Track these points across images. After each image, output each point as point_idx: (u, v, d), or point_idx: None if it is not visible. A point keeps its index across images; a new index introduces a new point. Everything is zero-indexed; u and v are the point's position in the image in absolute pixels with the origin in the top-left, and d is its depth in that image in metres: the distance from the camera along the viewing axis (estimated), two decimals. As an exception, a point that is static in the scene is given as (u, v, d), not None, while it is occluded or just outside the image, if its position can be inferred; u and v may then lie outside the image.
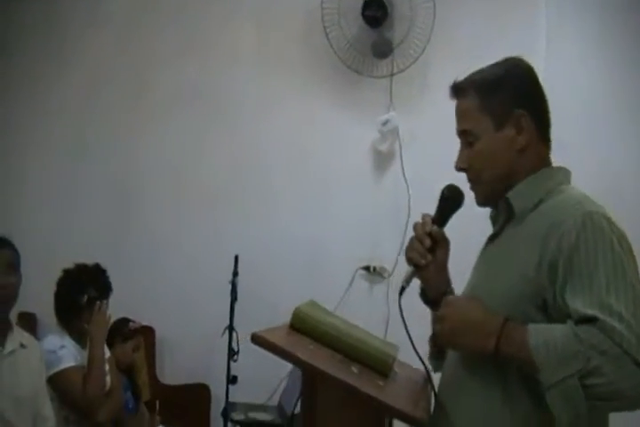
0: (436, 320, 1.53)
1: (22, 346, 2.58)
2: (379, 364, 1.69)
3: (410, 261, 1.65)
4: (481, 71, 1.61)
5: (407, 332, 1.60)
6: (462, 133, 1.59)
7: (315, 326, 1.69)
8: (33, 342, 2.71)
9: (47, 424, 2.64)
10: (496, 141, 1.54)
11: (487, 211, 1.67)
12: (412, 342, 1.59)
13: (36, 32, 4.59)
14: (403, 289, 1.64)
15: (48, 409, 2.67)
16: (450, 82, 1.63)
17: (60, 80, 4.53)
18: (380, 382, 1.63)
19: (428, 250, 1.63)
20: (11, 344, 2.53)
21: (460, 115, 1.60)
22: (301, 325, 1.69)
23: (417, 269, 1.64)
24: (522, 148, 1.53)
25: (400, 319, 1.64)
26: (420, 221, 1.67)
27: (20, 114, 4.59)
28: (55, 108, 4.53)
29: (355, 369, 1.62)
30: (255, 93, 4.25)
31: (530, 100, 1.56)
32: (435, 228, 1.65)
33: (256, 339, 1.51)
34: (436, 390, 1.62)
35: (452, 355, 1.60)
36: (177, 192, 4.33)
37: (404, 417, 1.47)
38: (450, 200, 1.68)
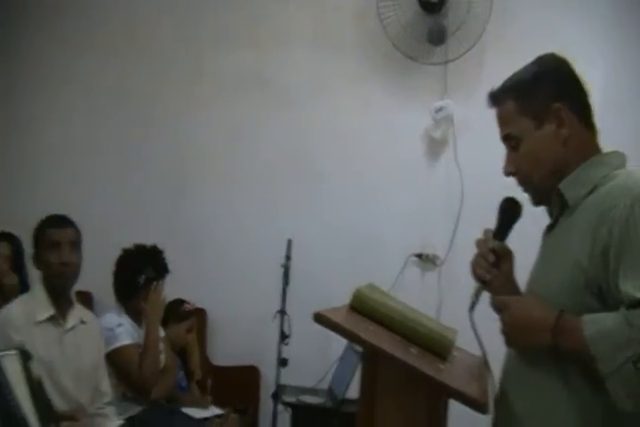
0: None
1: (82, 322, 2.67)
2: (437, 347, 1.70)
3: (476, 277, 1.66)
4: (514, 75, 1.63)
5: (481, 345, 1.62)
6: (505, 139, 1.61)
7: (374, 308, 1.70)
8: (92, 318, 2.79)
9: (104, 399, 2.72)
10: (539, 140, 1.55)
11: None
12: (482, 347, 1.61)
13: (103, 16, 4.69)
14: (473, 305, 1.66)
15: (106, 384, 2.75)
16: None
17: (117, 64, 4.62)
18: (440, 365, 1.64)
19: (492, 265, 1.64)
20: (72, 320, 2.61)
21: (501, 121, 1.62)
22: (361, 306, 1.70)
23: (484, 284, 1.65)
24: (565, 140, 1.54)
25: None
26: (482, 237, 1.69)
27: (82, 98, 4.68)
28: (112, 92, 4.61)
29: (414, 351, 1.63)
30: (309, 78, 4.26)
31: (566, 92, 1.57)
32: (496, 243, 1.66)
33: (318, 318, 1.52)
34: (497, 379, 1.64)
35: None
36: (231, 176, 4.37)
37: (464, 398, 1.48)
38: (508, 212, 1.69)
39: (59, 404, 2.37)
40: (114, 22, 4.62)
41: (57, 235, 2.57)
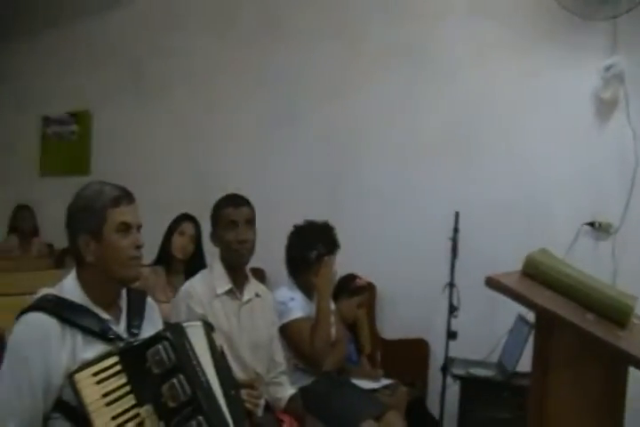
0: None
1: (257, 295, 2.78)
2: (616, 313, 1.62)
3: None
4: None
5: None
6: None
7: (547, 273, 1.65)
8: (267, 292, 2.91)
9: (279, 369, 2.82)
10: None
11: None
12: None
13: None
14: None
15: (279, 355, 2.85)
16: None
17: (276, 43, 4.83)
18: (618, 332, 1.57)
19: None
20: (248, 294, 2.74)
21: None
22: (534, 271, 1.66)
23: None
24: None
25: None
26: None
27: (252, 78, 4.96)
28: (274, 66, 4.85)
29: (590, 317, 1.57)
30: (470, 44, 4.16)
31: None
32: None
33: (490, 282, 1.50)
34: None
35: None
36: (396, 149, 4.38)
37: (647, 366, 1.41)
38: None
39: (237, 373, 2.48)
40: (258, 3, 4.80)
41: (234, 214, 2.67)
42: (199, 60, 5.26)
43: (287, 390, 2.80)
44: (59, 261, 5.02)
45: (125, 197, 1.88)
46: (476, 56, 4.16)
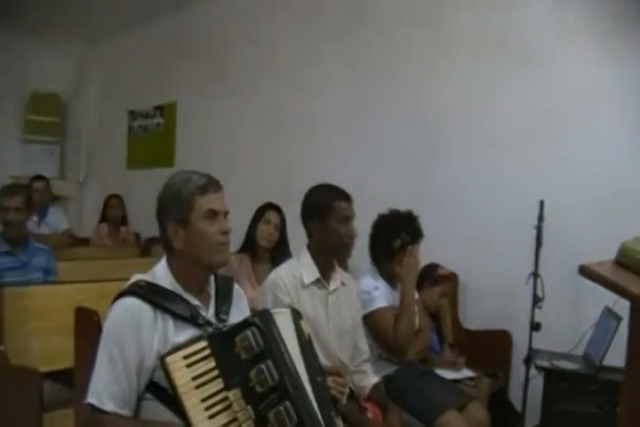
0: None
1: (343, 284, 2.80)
2: None
3: None
4: None
5: None
6: None
7: (643, 262, 1.60)
8: (351, 280, 2.92)
9: (362, 357, 2.84)
10: None
11: None
12: None
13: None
14: None
15: (363, 343, 2.87)
16: None
17: (363, 30, 4.88)
18: None
19: None
20: (334, 283, 2.76)
21: None
22: (628, 260, 1.60)
23: None
24: None
25: None
26: None
27: (330, 67, 5.00)
28: (360, 54, 4.89)
29: (689, 308, 1.52)
30: (557, 29, 4.04)
31: None
32: None
33: (584, 270, 1.46)
34: None
35: None
36: (480, 136, 4.32)
37: None
38: None
39: (323, 361, 2.47)
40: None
41: (347, 210, 2.69)
42: (284, 50, 5.34)
43: (371, 379, 2.82)
44: (145, 249, 5.18)
45: (212, 184, 1.91)
46: (559, 41, 4.04)
